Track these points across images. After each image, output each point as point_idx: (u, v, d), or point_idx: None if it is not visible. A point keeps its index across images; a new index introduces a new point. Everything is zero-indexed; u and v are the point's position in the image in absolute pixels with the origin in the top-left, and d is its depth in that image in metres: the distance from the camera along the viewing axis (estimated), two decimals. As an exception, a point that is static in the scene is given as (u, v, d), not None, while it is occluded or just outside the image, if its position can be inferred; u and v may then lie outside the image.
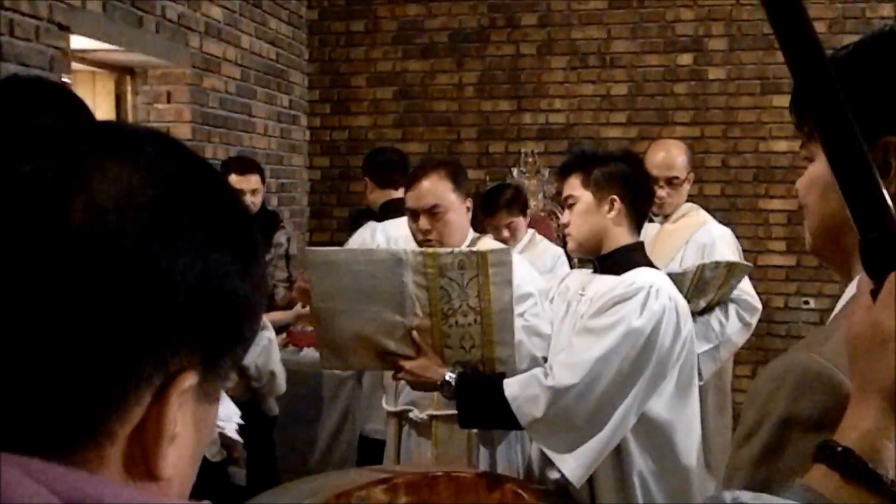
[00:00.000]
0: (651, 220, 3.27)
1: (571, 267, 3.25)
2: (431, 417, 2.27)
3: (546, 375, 1.91)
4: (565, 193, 2.07)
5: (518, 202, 3.60)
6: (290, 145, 5.07)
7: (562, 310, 2.10)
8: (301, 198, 5.23)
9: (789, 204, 4.84)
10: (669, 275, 2.62)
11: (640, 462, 1.93)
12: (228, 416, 2.14)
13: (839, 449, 0.66)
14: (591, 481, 1.94)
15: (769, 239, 4.88)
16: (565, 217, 2.07)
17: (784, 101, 4.54)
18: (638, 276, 1.95)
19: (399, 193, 3.56)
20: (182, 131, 3.89)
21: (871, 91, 0.81)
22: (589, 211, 2.01)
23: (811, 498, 0.66)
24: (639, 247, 2.06)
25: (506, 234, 3.59)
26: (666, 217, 3.16)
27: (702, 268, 2.72)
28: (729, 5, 4.86)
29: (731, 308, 2.94)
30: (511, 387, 1.93)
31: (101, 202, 0.46)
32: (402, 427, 2.37)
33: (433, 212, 2.25)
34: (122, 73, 3.80)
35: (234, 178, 3.39)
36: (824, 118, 0.69)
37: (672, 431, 1.93)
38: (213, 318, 0.49)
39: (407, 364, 2.03)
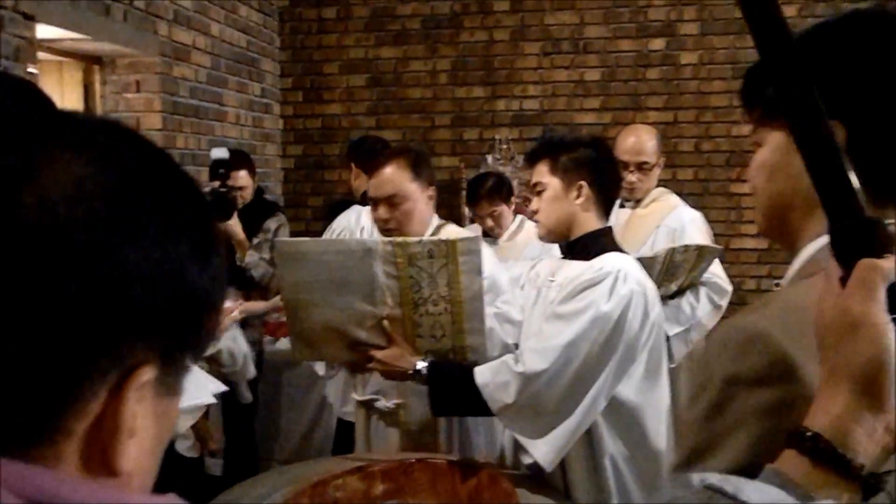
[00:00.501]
0: (622, 206, 3.30)
1: None
2: (397, 406, 2.28)
3: (516, 362, 1.92)
4: (534, 180, 2.07)
5: (500, 191, 3.63)
6: (262, 134, 5.03)
7: (532, 296, 2.11)
8: (275, 187, 5.20)
9: (761, 187, 4.88)
10: (640, 259, 2.65)
11: (611, 446, 1.95)
12: (199, 386, 2.10)
13: (809, 434, 0.67)
14: (563, 466, 1.96)
15: (741, 223, 4.93)
16: (534, 204, 2.08)
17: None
18: (606, 261, 1.96)
19: None
20: (152, 121, 3.84)
21: (828, 73, 0.83)
22: (557, 197, 2.02)
23: (781, 482, 0.66)
24: (607, 232, 2.07)
25: (490, 223, 3.61)
26: (637, 202, 3.19)
27: (672, 252, 2.75)
28: (700, -10, 4.88)
29: (702, 291, 2.97)
30: (482, 374, 1.94)
31: (52, 194, 0.45)
32: (369, 416, 2.38)
33: (392, 201, 2.26)
34: (90, 62, 3.75)
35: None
36: (793, 105, 0.69)
37: (642, 415, 1.95)
38: (170, 311, 0.48)
39: (378, 354, 2.03)
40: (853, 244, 0.68)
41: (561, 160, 2.02)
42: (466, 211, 4.53)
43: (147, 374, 0.48)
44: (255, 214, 3.59)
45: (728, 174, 4.91)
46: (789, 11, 4.77)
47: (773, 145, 0.91)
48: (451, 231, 2.36)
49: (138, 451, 0.49)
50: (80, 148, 0.48)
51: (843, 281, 0.68)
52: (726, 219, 4.91)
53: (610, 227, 2.10)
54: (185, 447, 3.00)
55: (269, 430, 3.86)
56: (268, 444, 3.85)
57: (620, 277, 1.91)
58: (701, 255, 2.84)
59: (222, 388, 2.15)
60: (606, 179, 2.05)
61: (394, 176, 2.26)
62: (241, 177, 3.58)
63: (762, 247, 4.92)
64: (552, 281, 2.05)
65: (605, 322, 1.88)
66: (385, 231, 2.28)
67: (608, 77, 4.97)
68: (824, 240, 0.87)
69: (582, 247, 2.02)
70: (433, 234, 2.30)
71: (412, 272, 1.98)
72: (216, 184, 3.00)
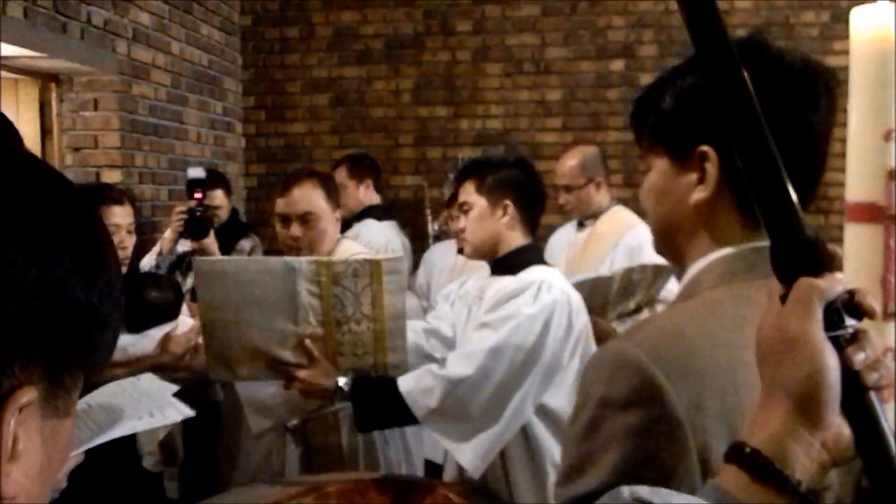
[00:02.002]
0: (581, 225, 3.33)
1: None
2: (304, 422, 2.28)
3: (440, 367, 1.97)
4: (461, 199, 2.14)
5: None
6: (224, 153, 5.00)
7: (463, 315, 2.17)
8: (238, 206, 5.15)
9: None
10: (598, 278, 2.67)
11: (553, 451, 2.00)
12: (159, 391, 2.06)
13: (748, 450, 0.67)
14: (506, 475, 2.00)
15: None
16: (461, 222, 2.14)
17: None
18: (530, 273, 2.04)
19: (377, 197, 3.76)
20: (110, 139, 3.80)
21: (693, 102, 0.91)
22: (483, 216, 2.08)
23: (720, 497, 0.67)
24: (532, 247, 2.15)
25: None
26: (595, 218, 3.25)
27: (630, 271, 2.78)
28: (659, 12, 4.97)
29: (660, 309, 3.00)
30: (405, 382, 1.98)
31: None
32: (281, 436, 2.38)
33: (306, 218, 2.30)
34: (47, 80, 3.70)
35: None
36: (737, 124, 0.70)
37: None
38: (52, 330, 0.47)
39: (300, 373, 2.03)
40: (793, 262, 0.68)
41: (487, 180, 2.09)
42: (431, 228, 4.54)
43: (27, 395, 0.46)
44: (230, 234, 3.57)
45: (687, 193, 4.98)
46: (745, 34, 4.87)
47: (659, 170, 0.96)
48: (349, 247, 2.42)
49: (23, 475, 0.47)
50: None
51: (784, 298, 0.68)
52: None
53: (535, 243, 2.17)
54: (151, 463, 2.95)
55: (230, 451, 3.80)
56: (227, 464, 3.79)
57: (544, 287, 1.98)
58: (657, 274, 2.87)
59: (189, 413, 2.13)
60: (531, 199, 2.13)
61: (308, 194, 2.32)
62: (217, 196, 3.58)
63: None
64: (481, 298, 2.11)
65: (529, 328, 1.94)
66: (294, 249, 2.31)
67: (569, 97, 5.02)
68: (705, 262, 0.92)
69: (509, 263, 2.09)
70: (333, 249, 2.37)
71: (336, 291, 1.99)
72: (192, 203, 2.98)
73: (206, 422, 3.28)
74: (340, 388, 2.01)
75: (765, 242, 0.77)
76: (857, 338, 0.67)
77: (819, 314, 0.66)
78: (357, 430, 2.10)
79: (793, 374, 0.66)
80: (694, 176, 0.93)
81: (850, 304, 0.67)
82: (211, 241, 3.07)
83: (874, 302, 0.68)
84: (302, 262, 2.02)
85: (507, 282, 2.05)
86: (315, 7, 5.19)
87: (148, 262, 3.12)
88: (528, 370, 1.93)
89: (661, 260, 3.31)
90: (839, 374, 0.65)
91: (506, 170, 2.11)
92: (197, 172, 3.04)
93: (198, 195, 2.96)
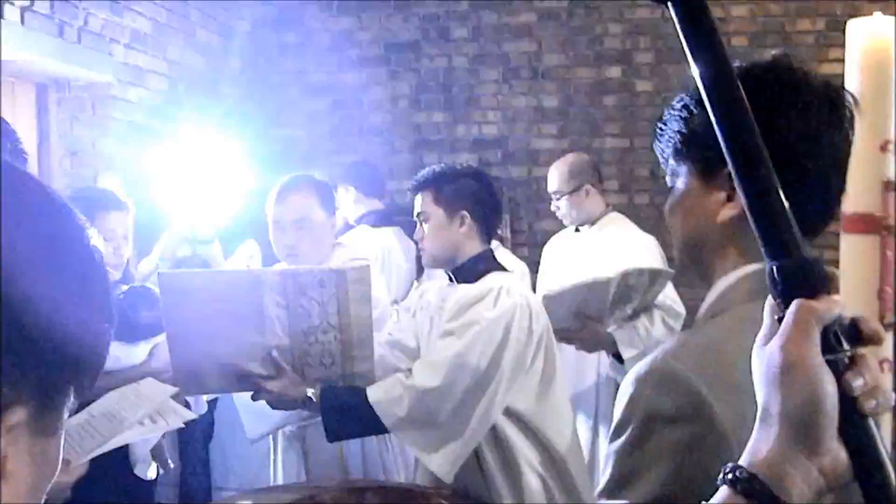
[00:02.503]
0: (577, 230, 3.34)
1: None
2: (301, 429, 2.28)
3: (407, 377, 2.00)
4: (418, 209, 2.18)
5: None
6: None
7: (426, 325, 2.21)
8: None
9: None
10: (595, 282, 2.68)
11: (525, 451, 2.05)
12: (158, 395, 2.05)
13: (745, 474, 0.66)
14: (484, 478, 2.04)
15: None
16: (419, 232, 2.19)
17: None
18: (490, 280, 2.10)
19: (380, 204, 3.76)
20: (108, 143, 3.80)
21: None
22: (441, 226, 2.13)
23: None
24: (489, 254, 2.20)
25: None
26: (591, 224, 3.27)
27: (626, 275, 2.78)
28: (655, 19, 4.98)
29: (657, 314, 3.00)
30: (374, 391, 2.00)
31: None
32: (274, 440, 2.38)
33: (299, 225, 2.30)
34: (44, 84, 3.70)
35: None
36: (737, 147, 0.70)
37: (542, 422, 2.06)
38: (41, 350, 0.46)
39: (268, 385, 2.03)
40: (789, 283, 0.68)
41: (444, 191, 2.15)
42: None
43: (17, 415, 0.46)
44: (229, 239, 3.57)
45: (683, 199, 4.99)
46: (741, 42, 4.89)
47: (687, 187, 0.99)
48: (345, 253, 2.41)
49: (12, 494, 0.47)
50: None
51: (781, 320, 0.68)
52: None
53: (491, 250, 2.22)
54: (143, 470, 2.94)
55: (226, 458, 3.79)
56: (222, 471, 3.79)
57: (503, 292, 2.03)
58: (654, 278, 2.88)
59: (190, 415, 2.12)
60: (486, 208, 2.18)
61: (302, 201, 2.31)
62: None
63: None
64: (442, 308, 2.15)
65: (492, 333, 1.99)
66: (290, 257, 2.32)
67: (566, 103, 5.03)
68: (733, 277, 0.94)
69: (467, 271, 2.15)
70: (328, 256, 2.37)
71: (303, 301, 1.99)
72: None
73: (198, 437, 3.28)
74: (309, 398, 2.02)
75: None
76: (855, 362, 0.66)
77: (816, 337, 0.65)
78: (327, 441, 2.09)
79: (790, 399, 0.65)
80: (723, 194, 0.95)
81: (849, 328, 0.67)
82: (215, 246, 3.07)
83: (876, 326, 0.67)
84: (267, 273, 2.05)
85: (467, 289, 2.10)
86: (312, 12, 5.20)
87: (147, 267, 3.10)
88: (493, 374, 1.97)
89: (657, 264, 3.32)
90: (837, 398, 0.65)
91: (462, 180, 2.17)
92: None
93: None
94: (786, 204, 0.69)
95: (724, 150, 0.71)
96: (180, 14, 4.45)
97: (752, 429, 0.76)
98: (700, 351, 0.88)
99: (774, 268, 0.69)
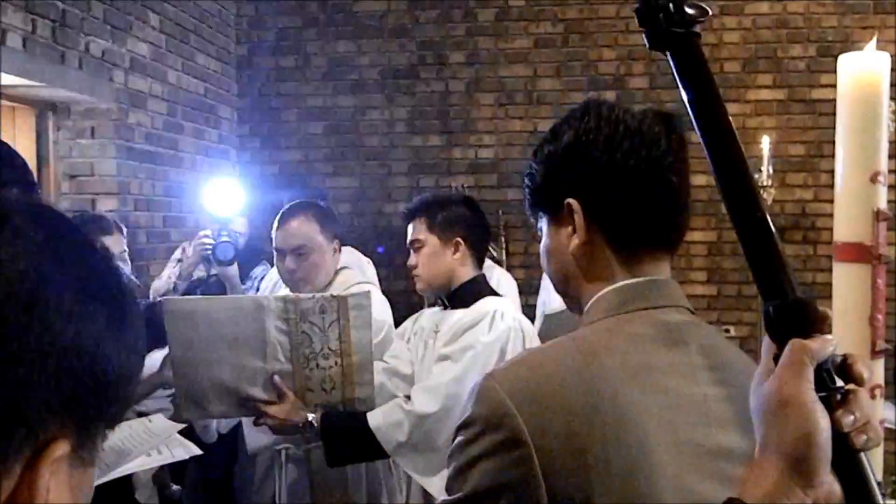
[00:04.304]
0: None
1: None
2: (307, 451, 2.29)
3: (406, 401, 2.03)
4: (412, 237, 2.20)
5: None
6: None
7: (420, 350, 2.22)
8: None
9: (710, 236, 5.02)
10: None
11: None
12: (168, 429, 2.06)
13: None
14: None
15: (691, 269, 5.04)
16: (412, 259, 2.21)
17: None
18: (484, 304, 2.13)
19: None
20: (106, 167, 3.82)
21: (552, 166, 1.06)
22: (436, 254, 2.16)
23: None
24: (481, 279, 2.24)
25: None
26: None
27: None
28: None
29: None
30: (374, 417, 2.03)
31: None
32: (279, 461, 2.39)
33: (300, 252, 2.32)
34: (44, 108, 3.73)
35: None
36: (731, 191, 0.73)
37: None
38: (85, 385, 0.49)
39: (269, 409, 2.05)
40: (785, 323, 0.71)
41: (438, 218, 2.17)
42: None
43: (61, 448, 0.48)
44: (244, 261, 3.57)
45: (678, 223, 5.02)
46: (734, 67, 4.96)
47: (545, 232, 1.10)
48: (348, 277, 2.44)
49: None
50: None
51: (777, 358, 0.71)
52: (676, 265, 4.99)
53: (483, 274, 2.25)
54: (145, 496, 2.94)
55: (249, 478, 3.76)
56: (245, 492, 3.75)
57: (497, 316, 2.07)
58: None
59: (196, 451, 2.13)
60: (479, 234, 2.23)
61: (302, 228, 2.34)
62: (240, 223, 3.58)
63: (711, 293, 5.03)
64: (437, 332, 2.18)
65: (488, 356, 2.02)
66: (292, 282, 2.34)
67: (561, 127, 5.08)
68: (593, 300, 1.03)
69: (461, 296, 2.18)
70: (332, 281, 2.39)
71: (304, 327, 2.02)
72: (217, 227, 2.99)
73: (220, 458, 3.26)
74: (310, 423, 2.04)
75: (636, 279, 1.00)
76: (847, 399, 0.69)
77: (811, 375, 0.68)
78: (328, 465, 2.11)
79: (786, 434, 0.68)
80: (569, 228, 1.05)
81: (841, 366, 0.70)
82: (233, 269, 3.05)
83: (864, 369, 0.70)
84: (270, 299, 2.07)
85: (461, 314, 2.13)
86: (310, 37, 5.26)
87: (162, 286, 3.10)
88: None
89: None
90: (830, 433, 0.68)
91: (454, 207, 2.20)
92: None
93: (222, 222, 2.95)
94: (779, 245, 0.72)
95: (722, 196, 0.74)
96: (179, 39, 4.50)
97: (556, 435, 0.89)
98: (516, 366, 0.99)
99: (771, 308, 0.71)
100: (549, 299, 3.44)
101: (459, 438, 0.97)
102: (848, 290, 1.14)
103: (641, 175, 1.01)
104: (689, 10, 0.70)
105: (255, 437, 2.26)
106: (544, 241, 1.10)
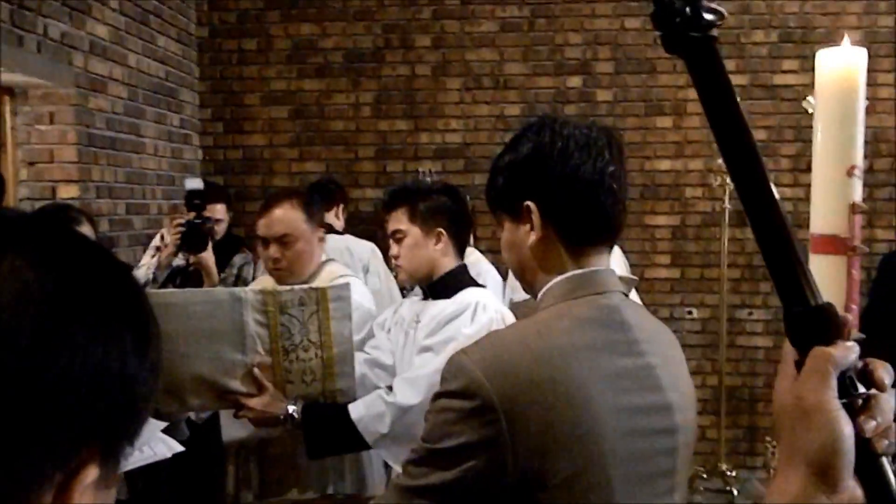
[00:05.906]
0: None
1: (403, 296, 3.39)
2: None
3: (388, 393, 2.02)
4: (392, 228, 2.18)
5: None
6: (181, 165, 4.95)
7: (401, 340, 2.21)
8: (194, 219, 5.09)
9: (673, 220, 5.08)
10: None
11: None
12: (150, 429, 2.04)
13: None
14: None
15: (655, 253, 5.11)
16: (394, 250, 2.19)
17: (666, 121, 4.79)
18: (466, 295, 2.12)
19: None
20: (67, 153, 3.74)
21: (512, 173, 1.24)
22: (418, 244, 2.14)
23: None
24: (463, 269, 2.22)
25: None
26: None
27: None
28: (614, 30, 5.07)
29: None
30: (356, 409, 2.02)
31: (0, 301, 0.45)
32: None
33: (284, 240, 2.31)
34: (1, 93, 3.62)
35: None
36: (752, 201, 0.73)
37: None
38: (113, 406, 0.49)
39: (249, 402, 2.04)
40: (807, 330, 0.71)
41: (419, 208, 2.15)
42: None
43: (92, 474, 0.48)
44: (224, 249, 3.50)
45: (641, 206, 5.08)
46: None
47: (506, 229, 1.28)
48: (334, 269, 2.42)
49: None
50: (22, 251, 0.47)
51: (798, 364, 0.71)
52: (641, 249, 5.08)
53: (464, 265, 2.24)
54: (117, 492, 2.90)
55: (244, 474, 3.73)
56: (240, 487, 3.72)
57: (480, 307, 2.07)
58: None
59: (178, 448, 2.11)
60: (460, 224, 2.21)
61: (287, 216, 2.32)
62: (219, 210, 3.51)
63: (675, 276, 5.10)
64: (418, 322, 2.16)
65: None
66: (275, 271, 2.32)
67: (527, 112, 5.09)
68: (546, 288, 1.24)
69: (443, 287, 2.16)
70: (317, 272, 2.38)
71: (283, 319, 2.02)
72: (191, 215, 2.89)
73: (213, 454, 3.22)
74: (291, 415, 2.03)
75: (583, 270, 1.21)
76: (868, 405, 0.70)
77: (834, 383, 0.69)
78: (308, 458, 2.10)
79: (809, 442, 0.69)
80: (527, 226, 1.24)
81: (862, 371, 0.71)
82: (208, 256, 2.96)
83: (885, 374, 0.72)
84: (248, 291, 2.05)
85: (443, 305, 2.12)
86: (273, 19, 5.18)
87: (142, 276, 3.05)
88: None
89: (621, 271, 3.41)
90: (853, 440, 0.69)
91: (436, 197, 2.17)
92: (194, 183, 2.93)
93: (196, 207, 2.85)
94: (799, 253, 0.72)
95: (741, 201, 0.74)
96: (139, 21, 4.40)
97: (521, 403, 1.06)
98: (491, 346, 1.14)
99: (792, 315, 0.72)
100: (516, 287, 3.46)
101: (439, 403, 1.11)
102: (824, 281, 1.17)
103: (589, 182, 1.21)
104: (707, 16, 0.70)
105: (231, 430, 2.24)
106: (505, 236, 1.28)
